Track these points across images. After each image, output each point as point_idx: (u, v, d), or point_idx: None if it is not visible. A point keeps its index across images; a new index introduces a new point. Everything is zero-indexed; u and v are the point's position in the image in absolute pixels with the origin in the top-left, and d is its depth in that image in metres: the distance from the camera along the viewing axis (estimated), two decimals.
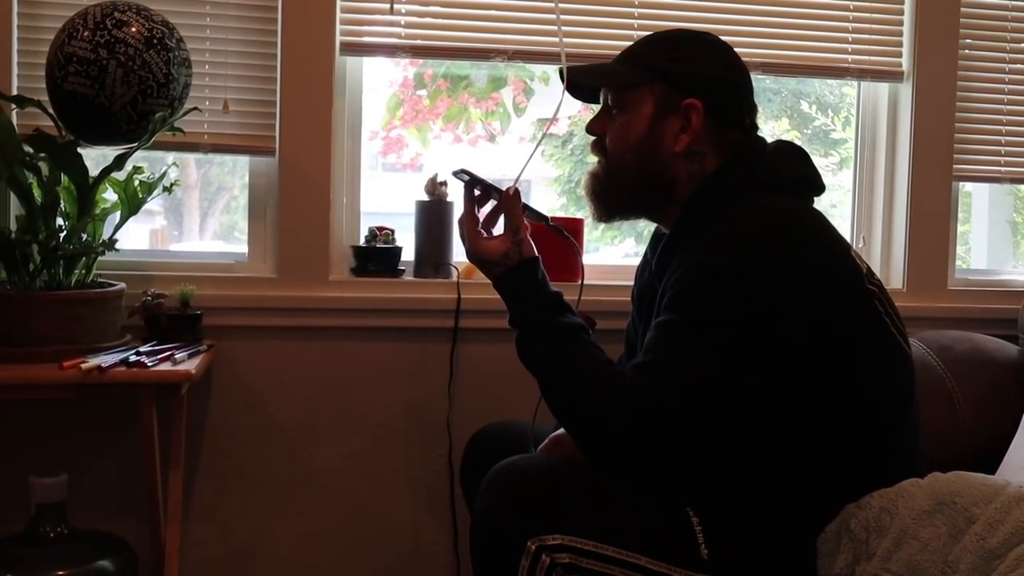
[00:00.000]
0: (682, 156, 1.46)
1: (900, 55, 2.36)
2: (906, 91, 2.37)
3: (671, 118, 1.46)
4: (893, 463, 1.35)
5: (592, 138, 1.56)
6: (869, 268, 1.43)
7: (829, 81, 2.53)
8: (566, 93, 1.61)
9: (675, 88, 1.45)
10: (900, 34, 2.36)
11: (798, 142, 1.59)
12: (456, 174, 1.57)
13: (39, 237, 1.78)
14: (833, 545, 1.32)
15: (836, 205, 2.54)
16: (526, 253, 1.49)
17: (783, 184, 1.43)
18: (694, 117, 1.44)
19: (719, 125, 1.46)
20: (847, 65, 2.34)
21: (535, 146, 1.71)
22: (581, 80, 1.58)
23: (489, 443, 1.75)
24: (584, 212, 2.19)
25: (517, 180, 1.57)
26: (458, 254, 2.15)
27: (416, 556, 2.21)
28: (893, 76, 2.37)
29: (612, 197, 1.54)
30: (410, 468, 2.20)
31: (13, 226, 1.89)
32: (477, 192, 1.55)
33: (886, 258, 2.42)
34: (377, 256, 2.18)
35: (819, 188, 1.50)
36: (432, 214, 2.18)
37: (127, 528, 1.95)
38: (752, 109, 1.52)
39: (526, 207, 1.53)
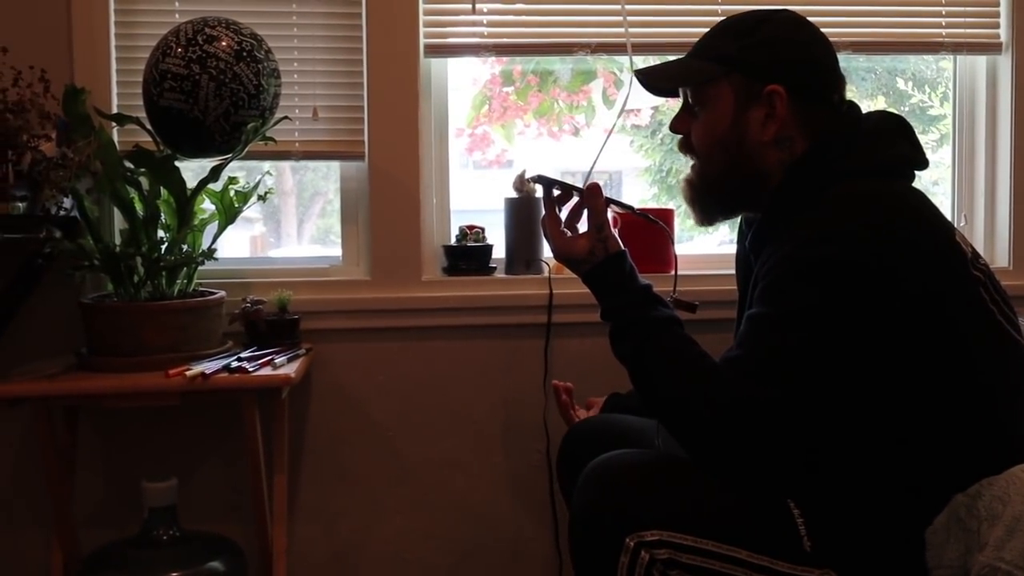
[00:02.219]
0: (771, 144, 1.42)
1: (997, 26, 2.27)
2: (1005, 63, 2.28)
3: (754, 108, 1.41)
4: (1002, 451, 1.30)
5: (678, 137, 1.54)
6: (975, 251, 1.37)
7: (926, 57, 2.44)
8: (636, 86, 1.59)
9: (754, 76, 1.41)
10: (997, 3, 2.27)
11: None
12: (533, 180, 1.57)
13: (142, 249, 1.84)
14: (942, 536, 1.28)
15: (938, 183, 2.46)
16: (612, 248, 1.47)
17: (880, 166, 1.37)
18: (778, 103, 1.40)
19: (805, 106, 1.41)
20: (941, 39, 2.25)
21: (604, 140, 1.69)
22: (656, 82, 1.55)
23: (584, 439, 1.74)
24: (676, 202, 2.17)
25: (589, 174, 1.56)
26: (549, 250, 2.15)
27: (517, 553, 2.22)
28: (991, 48, 2.28)
29: (709, 198, 1.51)
30: (508, 465, 2.21)
31: (117, 240, 1.96)
32: (557, 192, 1.54)
33: (990, 237, 2.34)
34: (468, 255, 2.19)
35: (922, 164, 1.43)
36: (521, 211, 2.18)
37: (235, 529, 2.01)
38: (839, 82, 1.46)
39: (609, 200, 1.51)
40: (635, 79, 1.57)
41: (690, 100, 1.50)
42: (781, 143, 1.42)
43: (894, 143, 1.42)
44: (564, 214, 1.55)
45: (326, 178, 2.59)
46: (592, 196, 1.49)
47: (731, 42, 1.45)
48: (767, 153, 1.43)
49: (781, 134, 1.41)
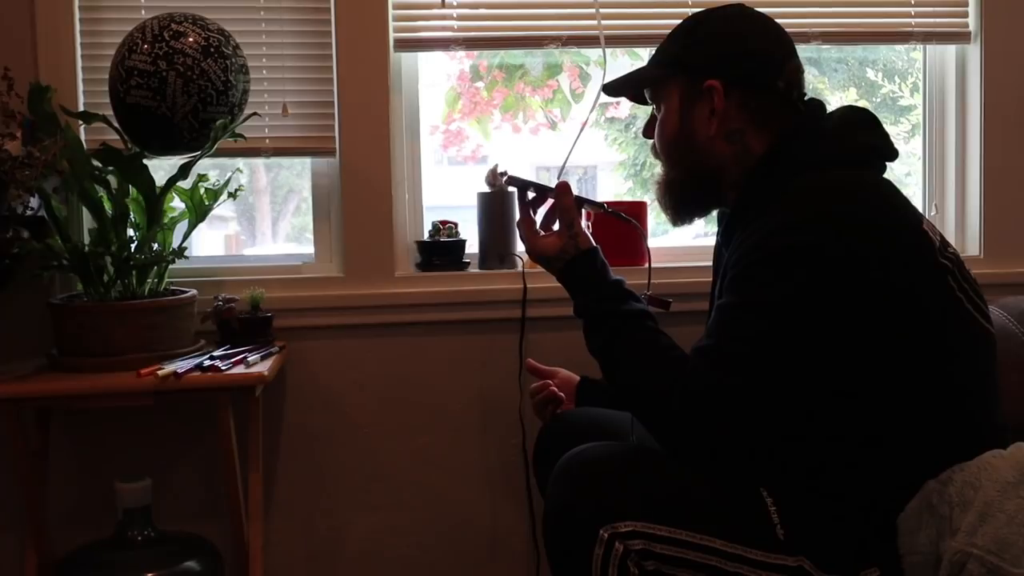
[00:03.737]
0: (721, 138, 1.45)
1: (966, 15, 2.28)
2: (974, 52, 2.29)
3: (698, 105, 1.46)
4: (973, 437, 1.31)
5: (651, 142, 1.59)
6: (943, 240, 1.38)
7: (896, 47, 2.45)
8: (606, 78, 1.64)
9: (693, 75, 1.46)
10: None
11: None
12: (507, 182, 1.61)
13: (111, 248, 1.83)
14: (915, 522, 1.29)
15: (910, 173, 2.47)
16: (582, 245, 1.50)
17: (848, 156, 1.39)
18: (716, 98, 1.43)
19: (747, 97, 1.44)
20: (911, 29, 2.26)
21: (577, 135, 1.72)
22: (617, 93, 1.63)
23: (560, 432, 1.75)
24: (651, 195, 2.17)
25: (563, 170, 1.58)
26: (522, 244, 2.15)
27: (494, 546, 2.22)
28: (960, 37, 2.29)
29: (676, 198, 1.55)
30: (485, 459, 2.21)
31: (86, 239, 1.94)
32: (532, 195, 1.58)
33: (960, 225, 2.35)
34: (441, 250, 2.19)
35: (891, 154, 1.45)
36: (494, 205, 2.17)
37: (211, 529, 1.99)
38: (783, 69, 1.46)
39: (580, 199, 1.55)
40: (603, 88, 1.63)
41: (652, 104, 1.56)
42: (731, 137, 1.45)
43: (861, 133, 1.43)
44: (540, 215, 1.59)
45: (300, 176, 2.57)
46: (562, 195, 1.53)
47: (677, 43, 1.51)
48: (718, 148, 1.46)
49: (727, 128, 1.45)
